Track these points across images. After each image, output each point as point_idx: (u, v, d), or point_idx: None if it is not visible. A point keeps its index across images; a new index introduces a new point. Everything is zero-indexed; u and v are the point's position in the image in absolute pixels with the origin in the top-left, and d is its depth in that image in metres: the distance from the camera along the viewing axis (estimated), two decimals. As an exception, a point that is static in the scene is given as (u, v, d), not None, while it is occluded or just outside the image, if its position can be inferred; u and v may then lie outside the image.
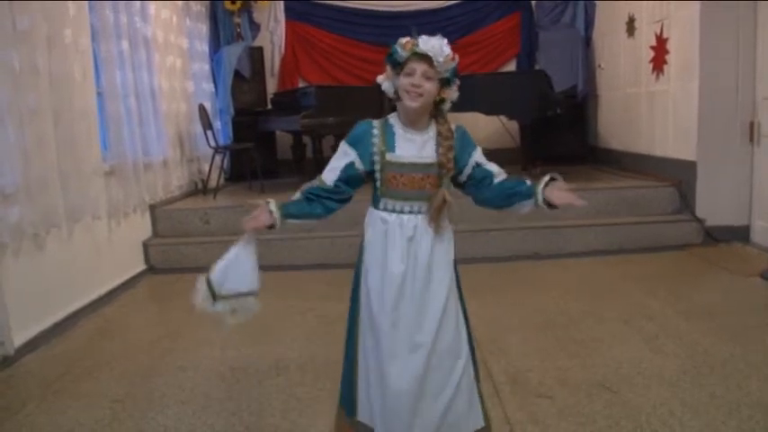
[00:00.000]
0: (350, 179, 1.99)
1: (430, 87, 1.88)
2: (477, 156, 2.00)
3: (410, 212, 1.94)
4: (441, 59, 1.86)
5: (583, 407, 2.58)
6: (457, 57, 1.92)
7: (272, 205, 1.96)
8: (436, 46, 1.86)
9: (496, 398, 2.66)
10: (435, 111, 1.97)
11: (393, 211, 1.95)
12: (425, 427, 1.94)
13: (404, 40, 1.90)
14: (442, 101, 1.95)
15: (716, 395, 2.61)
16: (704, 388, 2.68)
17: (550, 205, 1.92)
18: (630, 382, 2.77)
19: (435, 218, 1.92)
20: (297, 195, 2.02)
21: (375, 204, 2.01)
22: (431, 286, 1.94)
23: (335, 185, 1.99)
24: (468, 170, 2.00)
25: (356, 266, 2.06)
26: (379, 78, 1.98)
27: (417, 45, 1.86)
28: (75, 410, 2.77)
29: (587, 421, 2.47)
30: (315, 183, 2.01)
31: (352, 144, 1.99)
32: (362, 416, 2.04)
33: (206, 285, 1.94)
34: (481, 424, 2.03)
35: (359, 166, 1.97)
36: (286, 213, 1.97)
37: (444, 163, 1.92)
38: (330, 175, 2.00)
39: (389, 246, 1.94)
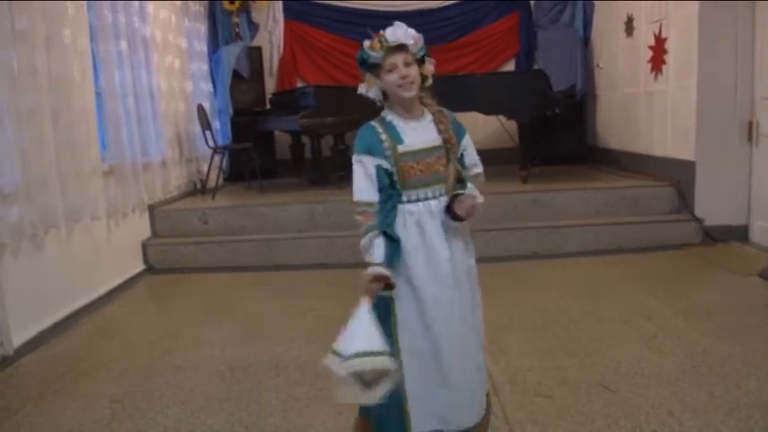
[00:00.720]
0: (387, 182, 1.95)
1: (414, 73, 1.93)
2: (465, 140, 2.06)
3: (433, 197, 1.97)
4: (411, 42, 1.92)
5: (582, 406, 2.58)
6: (421, 35, 1.96)
7: (383, 269, 1.85)
8: (402, 32, 1.91)
9: (496, 397, 2.66)
10: (420, 94, 2.00)
11: (417, 200, 1.96)
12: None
13: (368, 42, 1.92)
14: (424, 78, 1.99)
15: (715, 394, 2.62)
16: (703, 387, 2.69)
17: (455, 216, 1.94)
18: (629, 382, 2.77)
19: (453, 191, 1.97)
20: (379, 244, 1.88)
21: (398, 201, 2.00)
22: (468, 266, 2.05)
23: (381, 194, 1.93)
24: (459, 152, 2.04)
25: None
26: (361, 89, 2.00)
27: (387, 40, 1.90)
28: (75, 410, 2.77)
29: (586, 420, 2.47)
30: (366, 211, 1.91)
31: (368, 151, 1.94)
32: (421, 425, 2.00)
33: (332, 355, 1.80)
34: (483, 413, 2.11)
35: (386, 166, 1.94)
36: (391, 263, 1.89)
37: (448, 139, 1.98)
38: (367, 190, 1.93)
39: (427, 232, 1.95)
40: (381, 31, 1.91)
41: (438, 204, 1.96)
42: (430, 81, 2.02)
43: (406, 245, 1.94)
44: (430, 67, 2.01)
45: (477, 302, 2.10)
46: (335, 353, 1.79)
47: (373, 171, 1.93)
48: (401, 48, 1.90)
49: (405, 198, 1.97)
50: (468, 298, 2.04)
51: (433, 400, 1.98)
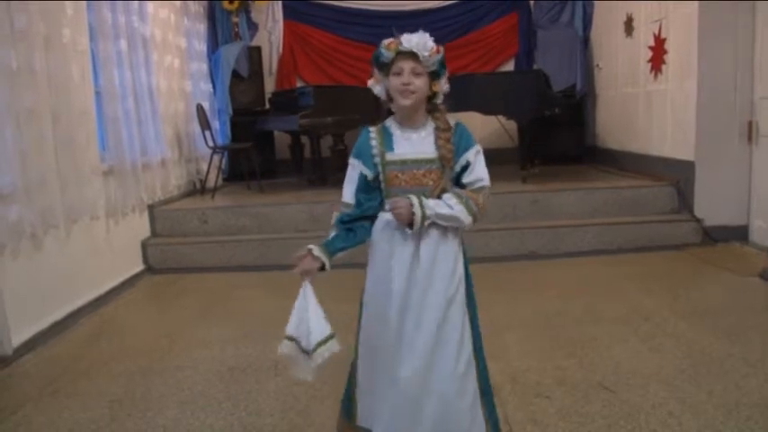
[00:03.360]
0: (367, 189, 2.00)
1: (420, 83, 1.90)
2: (470, 154, 1.97)
3: None
4: (426, 54, 1.88)
5: (581, 406, 2.58)
6: (442, 49, 1.93)
7: (316, 251, 1.95)
8: (420, 41, 1.88)
9: (495, 398, 2.65)
10: (430, 106, 1.99)
11: None
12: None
13: (387, 41, 1.92)
14: (434, 95, 1.97)
15: (714, 394, 2.62)
16: (702, 387, 2.68)
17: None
18: (629, 382, 2.77)
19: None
20: (335, 230, 2.02)
21: (382, 208, 2.01)
22: (432, 288, 1.94)
23: (357, 200, 2.00)
24: (456, 168, 1.98)
25: (366, 271, 2.08)
26: (370, 83, 2.01)
27: (401, 44, 1.88)
28: (73, 410, 2.76)
29: (586, 421, 2.47)
30: (342, 209, 2.03)
31: (357, 155, 2.01)
32: (363, 420, 2.08)
33: (293, 344, 1.93)
34: None
35: (366, 172, 1.98)
36: (333, 251, 1.98)
37: (444, 155, 1.94)
38: (348, 192, 2.02)
39: (396, 244, 1.95)
40: (404, 34, 1.89)
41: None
42: (441, 99, 1.99)
43: (383, 247, 1.98)
44: (444, 86, 1.97)
45: (455, 324, 1.96)
46: (290, 338, 1.92)
47: (356, 175, 2.00)
48: (412, 55, 1.88)
49: (387, 206, 1.97)
50: (437, 317, 1.92)
51: (378, 400, 1.99)
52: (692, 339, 3.22)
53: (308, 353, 1.90)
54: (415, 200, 1.89)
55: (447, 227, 1.95)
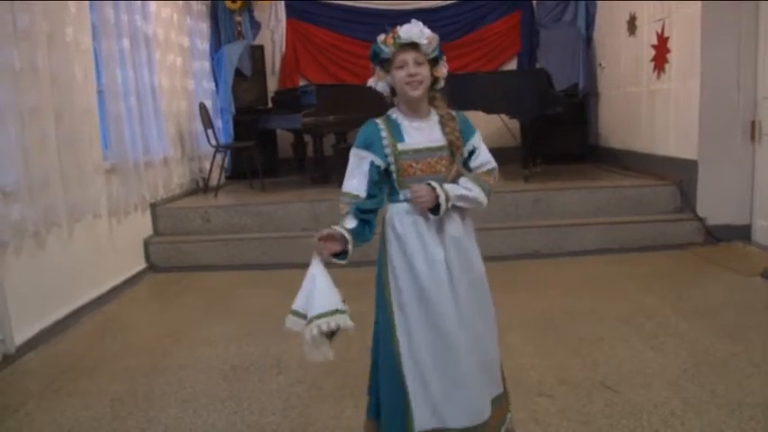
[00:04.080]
0: (378, 181, 1.98)
1: (424, 72, 1.93)
2: (475, 140, 2.05)
3: None
4: (425, 42, 1.91)
5: (583, 406, 2.58)
6: (436, 36, 1.96)
7: (347, 236, 1.91)
8: (417, 31, 1.90)
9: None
10: (430, 94, 2.01)
11: None
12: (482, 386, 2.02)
13: (382, 37, 1.94)
14: (436, 80, 2.00)
15: (717, 394, 2.61)
16: (705, 387, 2.68)
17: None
18: (631, 381, 2.77)
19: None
20: (352, 220, 1.96)
21: (395, 199, 2.01)
22: (471, 262, 2.02)
23: (369, 192, 1.96)
24: (464, 153, 2.03)
25: (379, 271, 2.04)
26: (371, 82, 2.03)
27: (400, 37, 1.90)
28: (76, 409, 2.77)
29: (588, 420, 2.46)
30: (351, 201, 1.96)
31: (366, 146, 1.97)
32: (422, 424, 1.96)
33: (297, 319, 1.89)
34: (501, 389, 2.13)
35: (378, 163, 1.96)
36: (355, 244, 1.95)
37: (453, 141, 1.98)
38: (358, 184, 1.97)
39: (424, 234, 1.96)
40: (398, 27, 1.92)
41: None
42: (442, 83, 2.02)
43: (406, 245, 1.96)
44: (443, 70, 2.01)
45: (485, 307, 2.08)
46: (296, 313, 1.88)
47: (366, 167, 1.96)
48: (413, 46, 1.90)
49: (401, 196, 1.98)
50: (470, 301, 2.00)
51: (432, 396, 1.97)
52: (694, 339, 3.21)
53: (305, 318, 1.86)
54: (436, 185, 1.92)
55: (465, 211, 2.01)
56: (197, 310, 4.12)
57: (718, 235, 5.06)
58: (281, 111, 6.92)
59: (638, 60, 6.23)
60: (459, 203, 1.96)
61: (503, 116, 6.84)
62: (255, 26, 7.87)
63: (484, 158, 2.06)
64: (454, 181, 1.99)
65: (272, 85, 7.94)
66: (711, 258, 4.73)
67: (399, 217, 1.98)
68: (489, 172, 2.06)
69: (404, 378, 1.95)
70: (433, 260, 1.94)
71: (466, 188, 1.97)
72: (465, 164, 2.05)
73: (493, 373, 2.10)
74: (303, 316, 1.87)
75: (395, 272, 1.98)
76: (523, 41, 8.14)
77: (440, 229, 1.97)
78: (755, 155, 4.99)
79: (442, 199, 1.90)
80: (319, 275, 1.88)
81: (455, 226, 1.99)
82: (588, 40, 7.48)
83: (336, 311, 1.84)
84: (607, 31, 7.11)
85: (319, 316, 1.82)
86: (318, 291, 1.86)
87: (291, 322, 1.89)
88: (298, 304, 1.89)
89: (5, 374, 3.17)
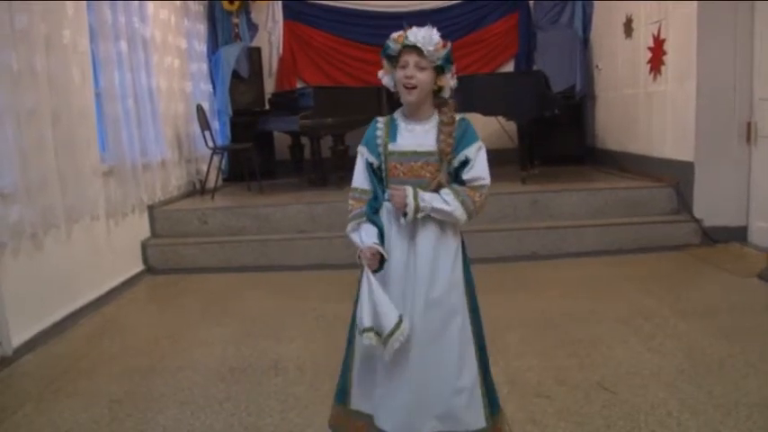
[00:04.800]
0: (375, 176, 2.05)
1: (423, 77, 1.93)
2: (469, 150, 1.98)
3: None
4: (430, 48, 1.91)
5: (581, 407, 2.59)
6: (449, 44, 1.96)
7: (379, 246, 1.96)
8: (425, 36, 1.91)
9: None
10: (438, 100, 2.01)
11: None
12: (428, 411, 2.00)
13: (396, 33, 1.96)
14: (440, 89, 1.99)
15: (714, 395, 2.62)
16: (702, 388, 2.69)
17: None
18: (629, 382, 2.78)
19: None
20: (368, 225, 2.01)
21: (385, 196, 2.04)
22: (433, 279, 1.97)
23: (372, 187, 2.05)
24: (455, 163, 1.99)
25: None
26: (380, 74, 2.04)
27: (407, 37, 1.92)
28: (74, 410, 2.77)
29: (585, 421, 2.47)
30: (355, 195, 2.05)
31: (365, 143, 2.07)
32: (355, 404, 2.12)
33: (373, 335, 1.91)
34: (482, 425, 2.04)
35: (372, 161, 2.03)
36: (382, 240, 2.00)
37: (443, 149, 1.95)
38: (363, 180, 2.07)
39: (391, 233, 1.99)
40: (412, 28, 1.94)
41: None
42: (447, 93, 2.02)
43: (387, 240, 2.00)
44: (450, 80, 2.00)
45: (447, 337, 2.00)
46: (371, 329, 1.91)
47: (363, 163, 2.05)
48: (416, 49, 1.91)
49: (386, 195, 2.02)
50: (425, 323, 1.96)
51: (373, 382, 2.05)
52: (691, 340, 3.22)
53: (383, 342, 1.90)
54: (410, 190, 1.93)
55: (446, 226, 1.98)
56: (195, 312, 4.12)
57: (714, 236, 5.08)
58: (278, 113, 6.92)
59: (635, 62, 6.25)
60: (434, 215, 1.94)
61: (500, 118, 6.86)
62: (252, 28, 7.87)
63: (477, 173, 1.97)
64: (436, 190, 1.96)
65: (270, 86, 7.95)
66: (708, 260, 4.74)
67: (385, 213, 2.02)
68: (477, 188, 1.97)
69: (352, 354, 2.11)
70: (397, 265, 1.97)
71: (444, 201, 1.94)
72: (457, 174, 2.00)
73: (438, 409, 2.00)
74: (375, 331, 1.90)
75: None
76: (521, 43, 8.15)
77: (411, 237, 1.98)
78: (752, 156, 5.00)
79: (411, 206, 1.91)
80: (376, 289, 1.92)
81: (427, 239, 1.97)
82: (585, 42, 7.49)
83: (400, 323, 1.89)
84: (604, 32, 7.12)
85: (391, 334, 1.88)
86: (380, 304, 1.90)
87: (369, 339, 1.91)
88: (367, 321, 1.91)
89: (3, 376, 3.17)
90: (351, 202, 2.07)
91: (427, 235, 1.97)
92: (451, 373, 2.00)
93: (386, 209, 2.02)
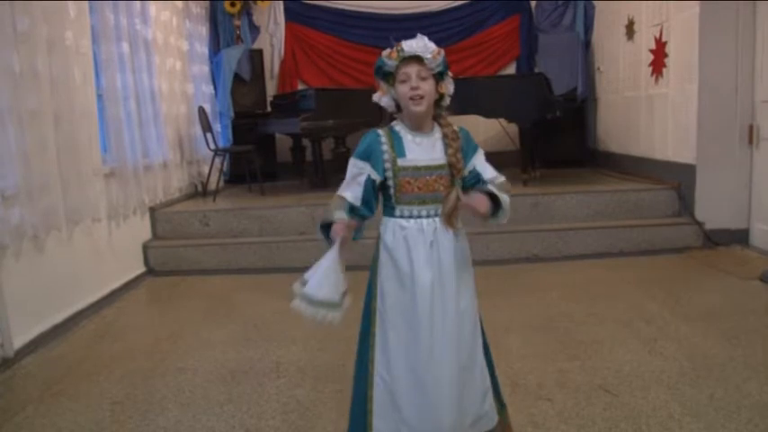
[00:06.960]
0: (373, 194, 1.96)
1: (428, 87, 1.89)
2: (476, 159, 2.00)
3: (427, 216, 1.93)
4: (429, 56, 1.88)
5: (582, 409, 2.58)
6: (442, 50, 1.92)
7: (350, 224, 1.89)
8: (420, 45, 1.88)
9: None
10: (435, 110, 1.98)
11: (411, 216, 1.93)
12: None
13: (387, 51, 1.91)
14: (441, 96, 1.96)
15: (715, 397, 2.62)
16: (703, 390, 2.68)
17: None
18: (630, 385, 2.77)
19: (451, 217, 1.91)
20: (343, 215, 1.93)
21: (390, 213, 1.97)
22: (459, 290, 1.94)
23: (364, 201, 1.94)
24: (465, 173, 1.98)
25: (370, 280, 2.02)
26: (376, 96, 1.99)
27: (403, 50, 1.87)
28: (75, 412, 2.77)
29: (587, 424, 2.47)
30: (342, 203, 1.94)
31: (365, 157, 1.94)
32: None
33: (299, 284, 1.84)
34: (494, 423, 2.06)
35: (375, 177, 1.93)
36: (355, 237, 1.94)
37: (454, 163, 1.92)
38: (354, 195, 1.94)
39: (413, 252, 1.91)
40: (402, 42, 1.89)
41: (430, 224, 1.92)
42: (447, 101, 1.99)
43: (396, 260, 1.93)
44: (449, 86, 1.97)
45: (470, 344, 2.00)
46: (304, 282, 1.82)
47: (363, 179, 1.93)
48: (417, 59, 1.87)
49: (398, 212, 1.95)
50: (454, 333, 1.93)
51: (404, 420, 1.93)
52: (693, 342, 3.22)
53: (307, 297, 1.81)
54: (491, 187, 1.94)
55: (458, 237, 1.96)
56: (196, 314, 4.12)
57: (716, 239, 5.08)
58: (279, 115, 6.93)
59: (637, 64, 6.25)
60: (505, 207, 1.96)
61: (502, 120, 6.86)
62: (254, 30, 7.88)
63: (492, 172, 2.00)
64: (452, 203, 1.91)
65: (271, 89, 7.95)
66: (710, 262, 4.73)
67: (392, 231, 1.95)
68: (503, 183, 1.98)
69: (371, 398, 1.95)
70: (419, 281, 1.90)
71: (502, 198, 1.94)
72: (474, 181, 1.99)
73: (472, 417, 2.00)
74: (305, 281, 1.83)
75: (383, 284, 1.96)
76: (522, 46, 8.15)
77: (432, 250, 1.91)
78: (753, 159, 5.00)
79: (506, 201, 1.93)
80: (331, 259, 1.82)
81: (449, 251, 1.93)
82: (586, 45, 7.50)
83: (332, 305, 1.81)
84: (605, 35, 7.13)
85: (322, 304, 1.80)
86: (325, 271, 1.81)
87: (296, 287, 1.84)
88: (309, 273, 1.83)
89: (4, 378, 3.17)
90: (333, 201, 1.96)
91: (448, 247, 1.93)
92: (480, 377, 2.02)
93: (397, 226, 1.94)
